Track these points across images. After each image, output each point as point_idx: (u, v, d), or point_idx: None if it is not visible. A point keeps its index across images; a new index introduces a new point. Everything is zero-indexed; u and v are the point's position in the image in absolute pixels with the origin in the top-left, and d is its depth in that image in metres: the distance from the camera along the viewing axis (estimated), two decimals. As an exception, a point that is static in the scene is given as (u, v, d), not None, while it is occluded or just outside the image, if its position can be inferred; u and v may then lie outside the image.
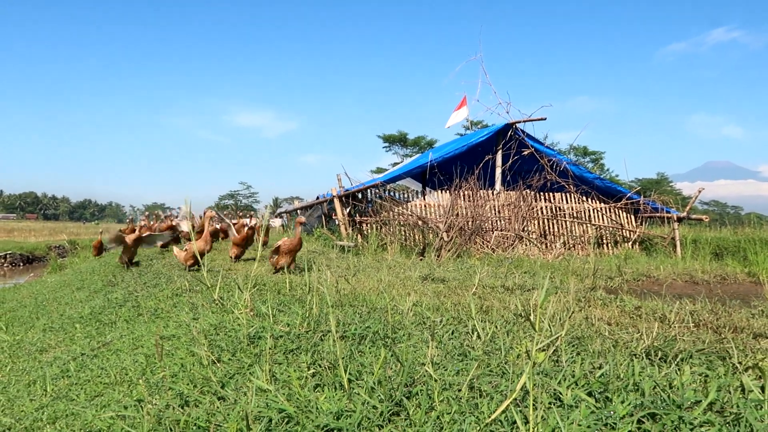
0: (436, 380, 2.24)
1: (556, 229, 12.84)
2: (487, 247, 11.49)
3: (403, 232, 12.18)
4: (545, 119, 12.29)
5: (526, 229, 12.32)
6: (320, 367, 2.44)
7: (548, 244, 12.30)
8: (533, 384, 2.23)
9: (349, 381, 2.25)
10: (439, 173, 12.81)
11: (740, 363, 2.47)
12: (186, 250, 6.97)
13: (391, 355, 2.60)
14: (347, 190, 12.25)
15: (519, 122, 12.66)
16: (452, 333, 3.06)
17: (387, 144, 47.53)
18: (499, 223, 12.30)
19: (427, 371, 2.28)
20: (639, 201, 13.00)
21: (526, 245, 12.03)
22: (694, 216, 13.35)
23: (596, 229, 13.06)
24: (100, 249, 13.60)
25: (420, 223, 11.86)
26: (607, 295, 4.57)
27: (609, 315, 3.75)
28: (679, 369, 2.39)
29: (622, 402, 1.95)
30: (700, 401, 1.89)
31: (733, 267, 11.23)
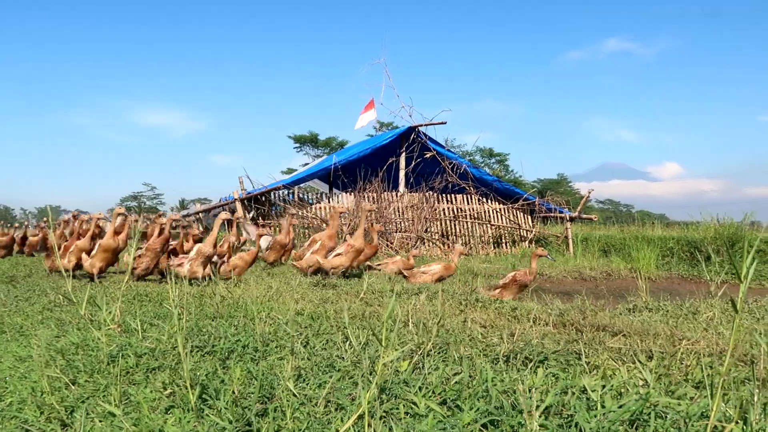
0: (295, 395, 2.22)
1: (457, 230, 13.19)
2: (391, 248, 11.62)
3: (307, 235, 12.07)
4: (446, 123, 12.61)
5: (428, 230, 12.57)
6: (178, 386, 2.34)
7: (450, 245, 12.61)
8: (394, 394, 2.26)
9: (205, 401, 2.17)
10: (343, 175, 12.83)
11: (587, 363, 2.61)
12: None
13: (258, 371, 2.55)
14: (249, 193, 12.00)
15: (421, 126, 12.91)
16: (326, 342, 3.05)
17: (298, 145, 46.93)
18: (402, 224, 12.47)
19: (287, 386, 2.25)
20: (535, 202, 13.61)
21: (428, 246, 12.27)
22: (585, 216, 14.14)
23: (495, 229, 13.54)
24: None
25: (324, 225, 11.80)
26: (489, 297, 4.73)
27: (486, 317, 3.87)
28: (534, 372, 2.50)
29: (470, 409, 2.01)
30: (539, 405, 1.97)
31: (618, 263, 12.02)
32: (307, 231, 12.06)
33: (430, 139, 13.15)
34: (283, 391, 2.24)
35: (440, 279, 7.06)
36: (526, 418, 1.89)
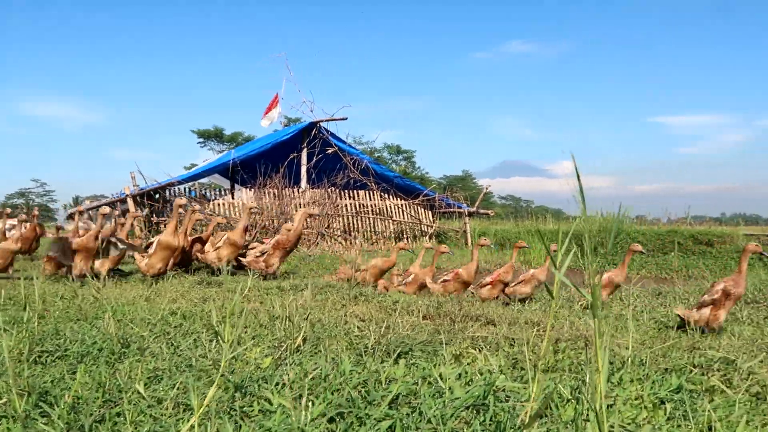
0: (144, 398, 2.12)
1: (359, 226, 13.26)
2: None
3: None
4: (346, 119, 12.64)
5: (330, 226, 12.55)
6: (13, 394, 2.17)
7: (352, 241, 12.66)
8: (250, 392, 2.21)
9: (39, 408, 2.03)
10: (242, 171, 12.53)
11: (451, 352, 2.69)
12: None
13: (112, 374, 2.42)
14: (142, 189, 11.46)
15: (322, 121, 12.85)
16: (194, 342, 2.95)
17: (202, 140, 45.44)
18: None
19: (137, 389, 2.15)
20: (435, 197, 13.93)
21: (329, 242, 12.25)
22: (482, 211, 14.66)
23: (397, 224, 13.73)
24: None
25: (223, 222, 11.48)
26: (374, 291, 4.78)
27: (365, 311, 3.90)
28: (396, 363, 2.54)
29: (322, 403, 2.00)
30: (387, 396, 2.00)
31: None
32: (204, 228, 11.67)
33: (332, 134, 13.12)
34: (132, 394, 2.14)
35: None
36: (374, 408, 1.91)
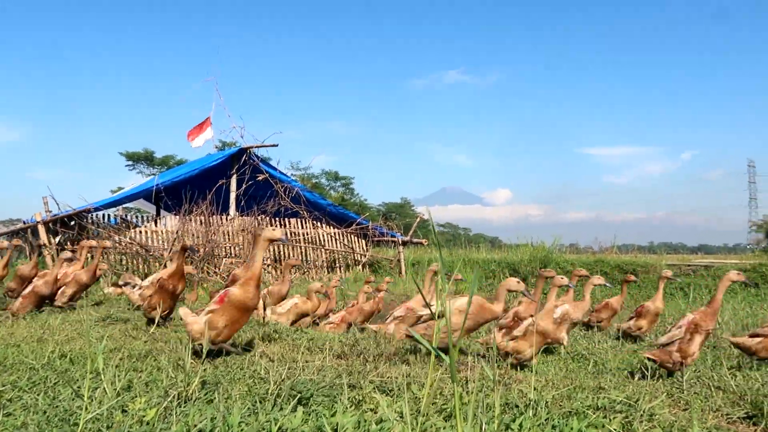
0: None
1: (291, 255, 12.99)
2: (218, 275, 11.09)
3: (125, 262, 11.15)
4: (277, 146, 12.47)
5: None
6: None
7: (281, 270, 12.37)
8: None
9: None
10: (167, 197, 12.08)
11: (353, 398, 2.55)
12: None
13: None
14: (55, 216, 10.83)
15: (253, 147, 12.61)
16: (77, 390, 2.69)
17: (131, 162, 43.70)
18: (233, 249, 12.00)
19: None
20: (368, 226, 13.86)
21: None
22: (415, 240, 14.69)
23: (329, 253, 13.55)
24: None
25: (143, 251, 10.98)
26: (289, 328, 4.60)
27: (277, 350, 3.72)
28: (294, 411, 2.38)
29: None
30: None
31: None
32: (124, 257, 11.12)
33: (263, 161, 12.89)
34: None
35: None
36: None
